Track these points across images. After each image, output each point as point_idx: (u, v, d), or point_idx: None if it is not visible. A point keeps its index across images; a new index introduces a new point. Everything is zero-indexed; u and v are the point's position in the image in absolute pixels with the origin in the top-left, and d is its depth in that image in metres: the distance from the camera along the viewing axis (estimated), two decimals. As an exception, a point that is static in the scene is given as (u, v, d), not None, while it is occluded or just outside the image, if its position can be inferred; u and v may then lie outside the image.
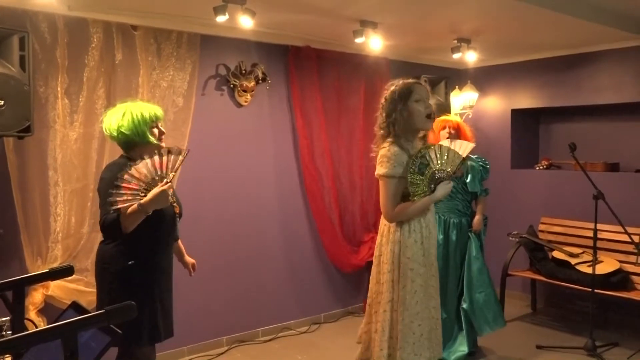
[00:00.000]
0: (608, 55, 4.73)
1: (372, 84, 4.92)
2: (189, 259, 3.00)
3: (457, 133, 3.98)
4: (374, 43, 4.12)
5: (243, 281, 4.33)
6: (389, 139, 2.75)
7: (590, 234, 4.06)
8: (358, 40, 4.02)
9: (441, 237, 3.89)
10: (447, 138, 4.01)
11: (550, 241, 4.88)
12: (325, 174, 4.65)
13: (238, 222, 4.28)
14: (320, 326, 4.71)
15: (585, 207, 4.10)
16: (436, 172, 2.70)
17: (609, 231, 4.45)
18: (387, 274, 2.78)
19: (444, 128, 4.04)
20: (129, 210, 2.32)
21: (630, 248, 4.19)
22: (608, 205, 3.81)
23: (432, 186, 2.69)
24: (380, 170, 2.72)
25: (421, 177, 2.67)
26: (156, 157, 2.39)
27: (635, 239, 3.98)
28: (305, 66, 4.48)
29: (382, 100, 2.82)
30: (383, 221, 2.84)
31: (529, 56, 5.22)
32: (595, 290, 4.02)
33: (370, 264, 4.96)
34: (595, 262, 4.05)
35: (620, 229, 3.90)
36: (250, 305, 4.37)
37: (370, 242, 4.92)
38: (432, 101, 2.94)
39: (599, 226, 4.04)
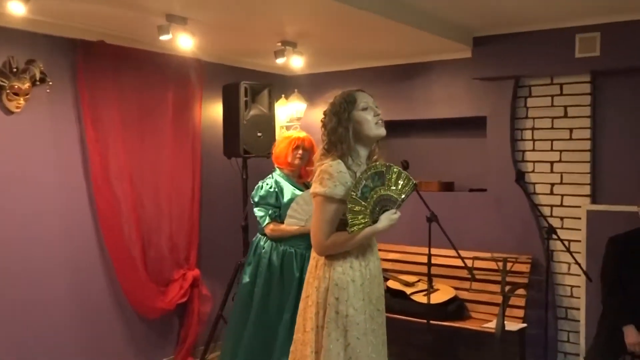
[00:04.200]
0: (440, 66, 5.25)
1: (182, 90, 4.97)
2: None
3: (310, 154, 4.10)
4: (183, 41, 4.12)
5: (16, 334, 4.08)
6: (334, 156, 2.74)
7: (426, 260, 4.40)
8: (163, 37, 4.01)
9: (297, 274, 4.02)
10: (300, 159, 4.16)
11: (384, 269, 5.23)
12: (124, 198, 4.56)
13: (5, 259, 4.04)
14: (118, 387, 4.59)
15: (422, 230, 4.39)
16: (385, 196, 2.68)
17: (444, 256, 4.87)
18: (312, 319, 2.72)
19: (296, 148, 4.16)
20: None
21: (465, 273, 4.61)
22: (441, 227, 4.16)
23: (376, 214, 2.66)
24: (317, 188, 2.69)
25: (364, 204, 2.64)
26: None
27: (469, 263, 4.37)
28: (98, 66, 4.39)
29: (322, 117, 2.82)
30: (312, 253, 2.81)
31: (361, 64, 5.59)
32: (431, 322, 4.36)
33: (181, 307, 5.04)
34: (430, 290, 4.42)
35: (455, 253, 4.32)
36: (26, 365, 4.12)
37: (181, 280, 4.94)
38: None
39: (435, 251, 4.40)
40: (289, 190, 4.19)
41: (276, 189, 4.18)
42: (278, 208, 4.17)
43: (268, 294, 4.12)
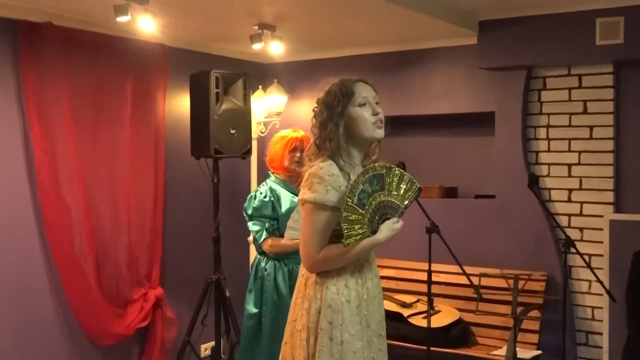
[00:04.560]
0: (441, 54, 5.19)
1: (144, 79, 4.92)
2: None
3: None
4: (144, 24, 4.08)
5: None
6: (325, 156, 2.64)
7: (426, 277, 4.28)
8: (121, 18, 3.95)
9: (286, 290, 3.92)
10: (298, 163, 4.00)
11: (379, 288, 5.10)
12: (75, 204, 4.46)
13: None
14: None
15: (421, 242, 4.33)
16: (386, 202, 2.58)
17: (446, 272, 4.78)
18: (304, 347, 2.61)
19: (294, 149, 4.02)
20: None
21: (471, 292, 4.50)
22: (443, 239, 4.08)
23: (376, 224, 2.57)
24: (306, 194, 2.60)
25: (361, 212, 2.54)
26: None
27: (475, 281, 4.25)
28: (45, 52, 4.32)
29: (315, 105, 2.73)
30: (301, 270, 2.72)
31: (350, 51, 5.52)
32: (431, 348, 4.24)
33: (141, 332, 4.91)
34: (430, 312, 4.28)
35: (459, 269, 4.19)
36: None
37: (142, 300, 4.84)
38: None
39: (436, 267, 4.30)
40: (286, 198, 4.03)
41: (272, 198, 4.03)
42: (276, 220, 4.02)
43: (278, 322, 3.93)
